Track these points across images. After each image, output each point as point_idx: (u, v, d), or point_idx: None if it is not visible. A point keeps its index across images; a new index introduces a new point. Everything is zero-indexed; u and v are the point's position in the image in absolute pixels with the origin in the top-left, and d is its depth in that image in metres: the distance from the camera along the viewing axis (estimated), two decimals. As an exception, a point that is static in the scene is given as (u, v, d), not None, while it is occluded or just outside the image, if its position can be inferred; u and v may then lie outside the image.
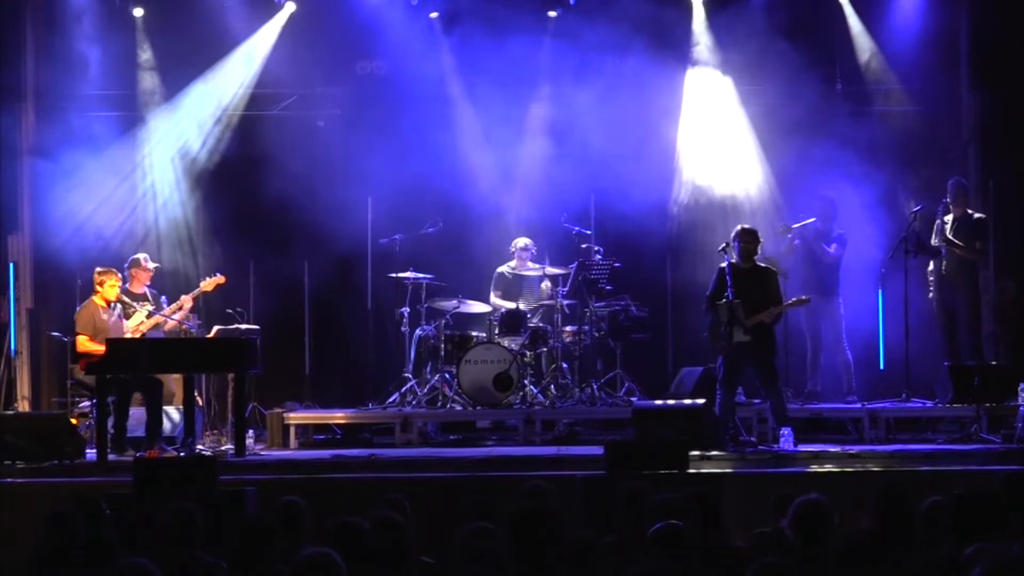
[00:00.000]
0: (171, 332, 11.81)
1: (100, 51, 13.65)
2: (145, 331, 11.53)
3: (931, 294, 12.47)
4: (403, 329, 12.84)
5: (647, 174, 13.18)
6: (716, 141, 13.95)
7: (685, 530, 5.34)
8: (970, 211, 12.35)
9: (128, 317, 11.54)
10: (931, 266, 12.41)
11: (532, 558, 5.24)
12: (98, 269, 11.62)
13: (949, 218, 12.30)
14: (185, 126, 14.13)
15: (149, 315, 11.56)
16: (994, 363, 12.00)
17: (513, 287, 13.20)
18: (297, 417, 12.21)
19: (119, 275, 11.54)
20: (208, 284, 11.91)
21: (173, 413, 11.77)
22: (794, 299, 11.21)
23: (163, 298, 11.98)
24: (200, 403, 11.74)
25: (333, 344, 14.15)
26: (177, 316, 11.64)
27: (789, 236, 12.44)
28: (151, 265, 11.99)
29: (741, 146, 13.92)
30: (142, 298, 11.75)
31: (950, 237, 12.21)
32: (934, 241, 12.27)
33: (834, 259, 12.36)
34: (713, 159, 13.91)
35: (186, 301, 11.71)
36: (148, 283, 11.93)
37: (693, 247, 13.69)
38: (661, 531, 5.30)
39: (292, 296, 13.88)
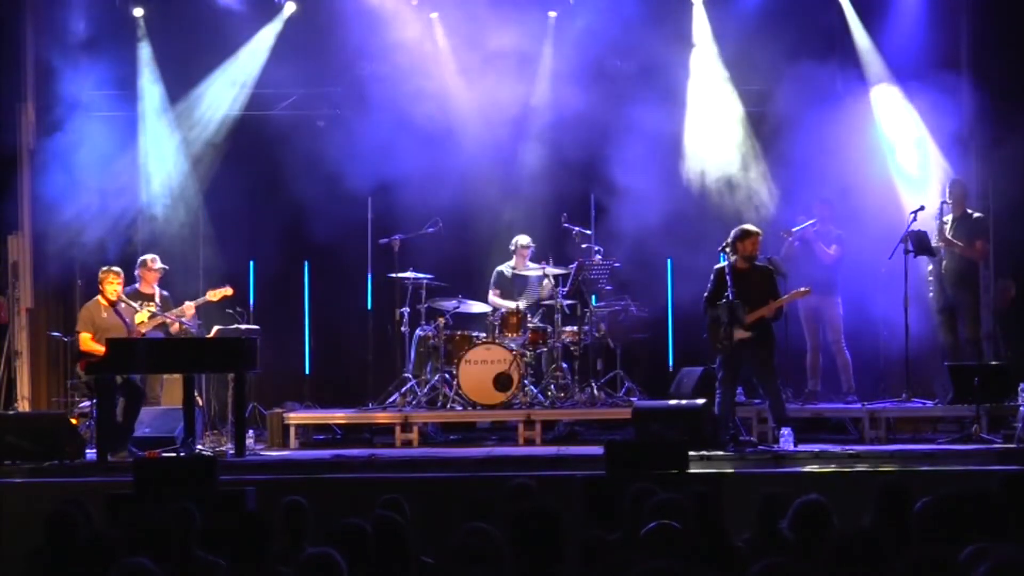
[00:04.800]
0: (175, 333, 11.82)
1: (100, 51, 13.63)
2: (145, 331, 11.53)
3: (931, 294, 12.47)
4: (403, 329, 12.85)
5: (647, 173, 13.16)
6: (717, 140, 13.94)
7: (680, 530, 5.32)
8: (969, 211, 12.35)
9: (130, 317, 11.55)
10: (930, 266, 12.42)
11: (532, 558, 5.24)
12: (102, 269, 11.63)
13: (949, 218, 12.31)
14: (185, 126, 14.11)
15: (152, 316, 11.56)
16: (994, 363, 12.00)
17: (513, 286, 13.19)
18: (297, 417, 12.21)
19: (120, 275, 11.54)
20: (215, 294, 11.94)
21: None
22: (794, 291, 11.23)
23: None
24: (200, 403, 11.74)
25: (333, 344, 14.15)
26: (180, 321, 11.64)
27: (789, 239, 12.44)
28: (158, 266, 12.02)
29: (742, 146, 13.92)
30: (150, 298, 11.77)
31: (949, 237, 12.22)
32: (934, 242, 12.28)
33: (833, 260, 12.37)
34: (714, 158, 13.91)
35: (189, 309, 11.71)
36: (157, 283, 11.95)
37: (694, 247, 13.67)
38: (654, 531, 5.29)
39: (292, 296, 13.86)
